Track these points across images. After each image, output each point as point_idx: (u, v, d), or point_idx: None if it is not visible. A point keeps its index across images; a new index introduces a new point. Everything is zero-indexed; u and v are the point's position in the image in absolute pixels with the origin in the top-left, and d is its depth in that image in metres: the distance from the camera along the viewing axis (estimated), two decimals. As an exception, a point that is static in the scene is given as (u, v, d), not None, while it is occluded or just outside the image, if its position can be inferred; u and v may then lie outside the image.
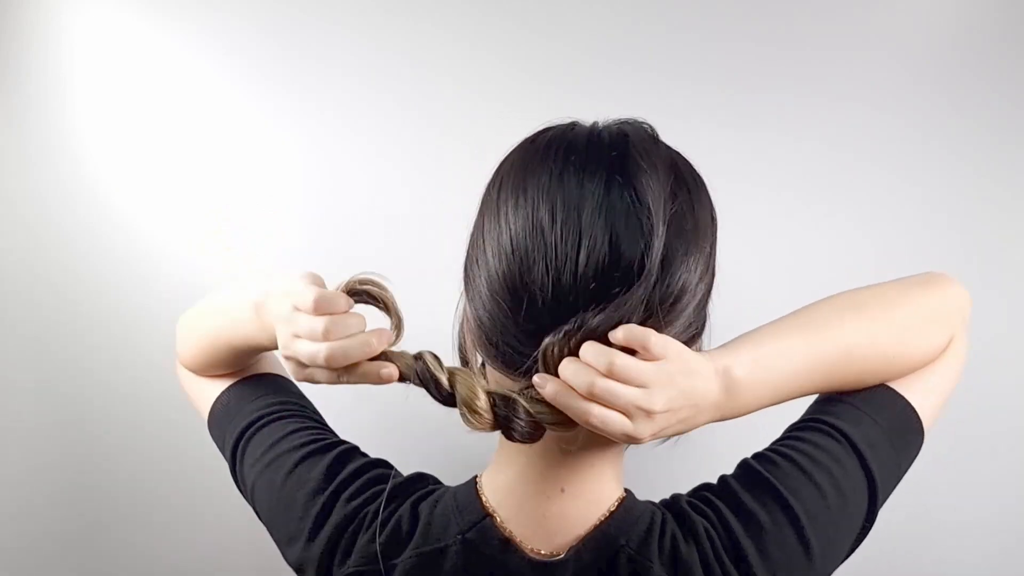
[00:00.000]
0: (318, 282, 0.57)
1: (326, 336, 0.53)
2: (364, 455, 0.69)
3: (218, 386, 0.77)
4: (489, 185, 0.60)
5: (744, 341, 0.59)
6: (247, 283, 0.68)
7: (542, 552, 0.60)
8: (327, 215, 1.21)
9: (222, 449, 0.75)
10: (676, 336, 0.55)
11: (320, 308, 0.53)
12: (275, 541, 0.68)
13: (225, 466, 0.74)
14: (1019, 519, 1.23)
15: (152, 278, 1.22)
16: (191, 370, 0.80)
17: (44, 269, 1.21)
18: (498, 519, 0.60)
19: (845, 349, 0.61)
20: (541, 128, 0.61)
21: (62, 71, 1.17)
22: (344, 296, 0.55)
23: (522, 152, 0.59)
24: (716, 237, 0.59)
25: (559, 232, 0.53)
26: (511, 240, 0.55)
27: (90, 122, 1.19)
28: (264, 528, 0.69)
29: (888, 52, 1.15)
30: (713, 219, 0.59)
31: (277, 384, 0.78)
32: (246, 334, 0.67)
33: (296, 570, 0.66)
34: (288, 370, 0.57)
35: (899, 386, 0.65)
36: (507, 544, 0.60)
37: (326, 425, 0.73)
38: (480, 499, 0.61)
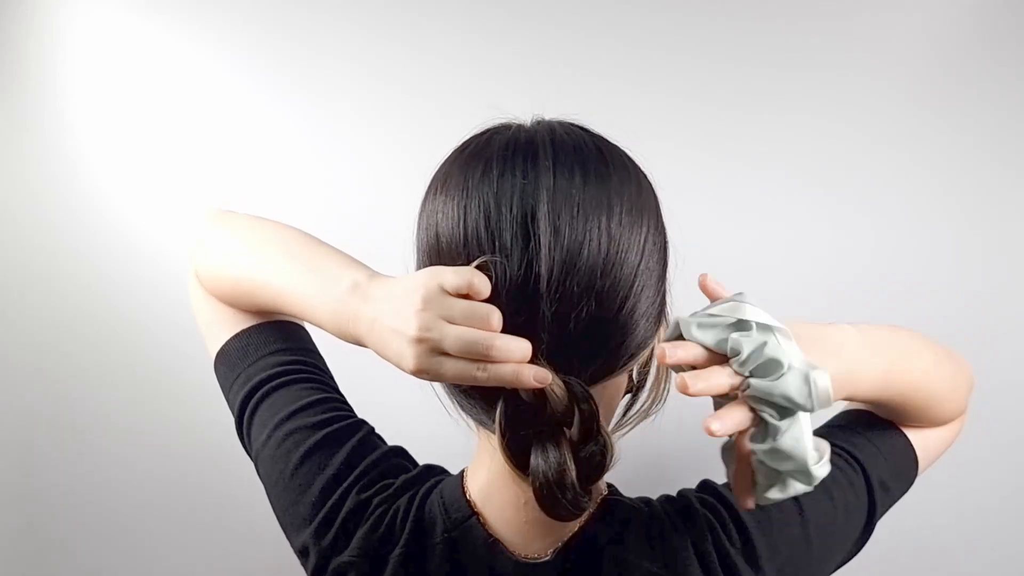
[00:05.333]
0: None
1: (490, 324, 0.50)
2: (382, 441, 0.68)
3: (237, 322, 0.72)
4: (426, 190, 0.61)
5: (857, 325, 0.60)
6: (327, 254, 0.64)
7: (528, 554, 0.59)
8: (326, 215, 1.21)
9: (227, 391, 0.71)
10: (637, 315, 0.56)
11: (483, 292, 0.51)
12: (279, 518, 0.66)
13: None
14: (1019, 521, 1.23)
15: (151, 278, 1.22)
16: (213, 295, 0.73)
17: (42, 269, 1.22)
18: (483, 519, 0.60)
19: (914, 383, 0.64)
20: (472, 134, 0.62)
21: (61, 71, 1.18)
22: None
23: (451, 158, 0.60)
24: (658, 214, 0.59)
25: (472, 230, 0.54)
26: (436, 237, 0.56)
27: (89, 123, 1.19)
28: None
29: (904, 35, 1.16)
30: (645, 195, 0.58)
31: (299, 337, 0.74)
32: (306, 306, 0.61)
33: (298, 553, 0.65)
34: (407, 357, 0.51)
35: (914, 438, 0.70)
36: (492, 545, 0.60)
37: (340, 393, 0.71)
38: (466, 497, 0.61)
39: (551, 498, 0.51)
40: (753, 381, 0.48)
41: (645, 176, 0.59)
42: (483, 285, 0.51)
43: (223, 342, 0.72)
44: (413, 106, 1.18)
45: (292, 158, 1.20)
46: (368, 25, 1.17)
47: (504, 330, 0.51)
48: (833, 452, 0.64)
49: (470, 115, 1.16)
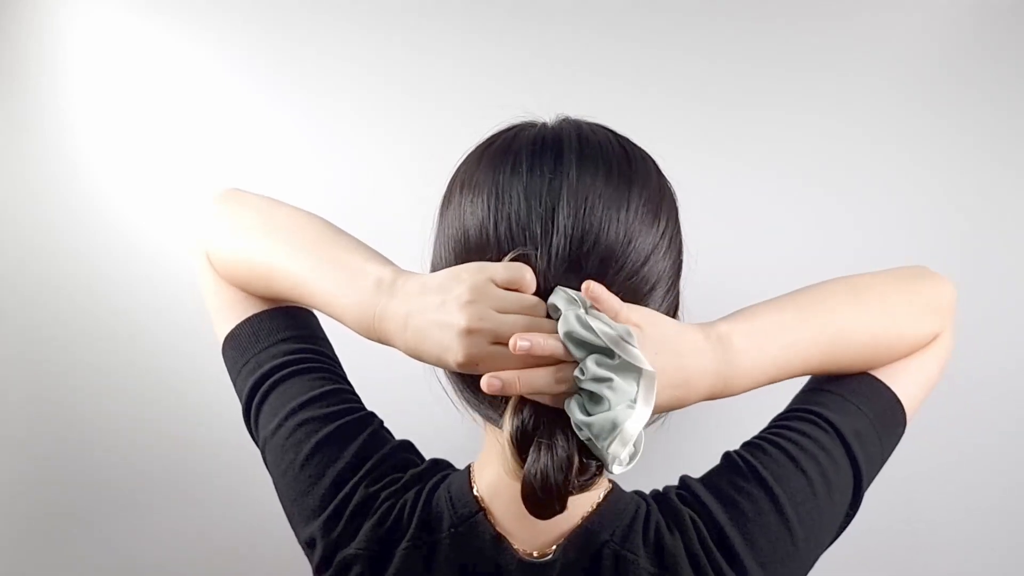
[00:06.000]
0: None
1: (540, 314, 0.51)
2: (391, 435, 0.68)
3: (247, 307, 0.71)
4: (448, 185, 0.61)
5: (742, 312, 0.61)
6: (348, 245, 0.63)
7: (531, 550, 0.60)
8: (326, 215, 1.20)
9: (235, 376, 0.71)
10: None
11: (532, 286, 0.52)
12: (286, 509, 0.66)
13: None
14: (1015, 519, 1.23)
15: (151, 278, 1.22)
16: (223, 275, 0.72)
17: (42, 269, 1.22)
18: (489, 514, 0.61)
19: (840, 330, 0.63)
20: (494, 132, 0.62)
21: (61, 71, 1.18)
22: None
23: (475, 156, 0.61)
24: (676, 217, 0.60)
25: (504, 226, 0.55)
26: (465, 232, 0.57)
27: (89, 123, 1.19)
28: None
29: (904, 35, 1.16)
30: (665, 197, 0.59)
31: (310, 325, 0.73)
32: (328, 301, 0.61)
33: (305, 544, 0.65)
34: (454, 349, 0.52)
35: (885, 377, 0.66)
36: (498, 540, 0.60)
37: (350, 383, 0.71)
38: (472, 491, 0.62)
39: (546, 497, 0.52)
40: (573, 403, 0.50)
41: (667, 180, 0.61)
42: (532, 279, 0.52)
43: (233, 326, 0.71)
44: (413, 106, 1.18)
45: (292, 158, 1.21)
46: (368, 25, 1.17)
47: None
48: (796, 418, 0.65)
49: (470, 115, 1.16)
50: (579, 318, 0.50)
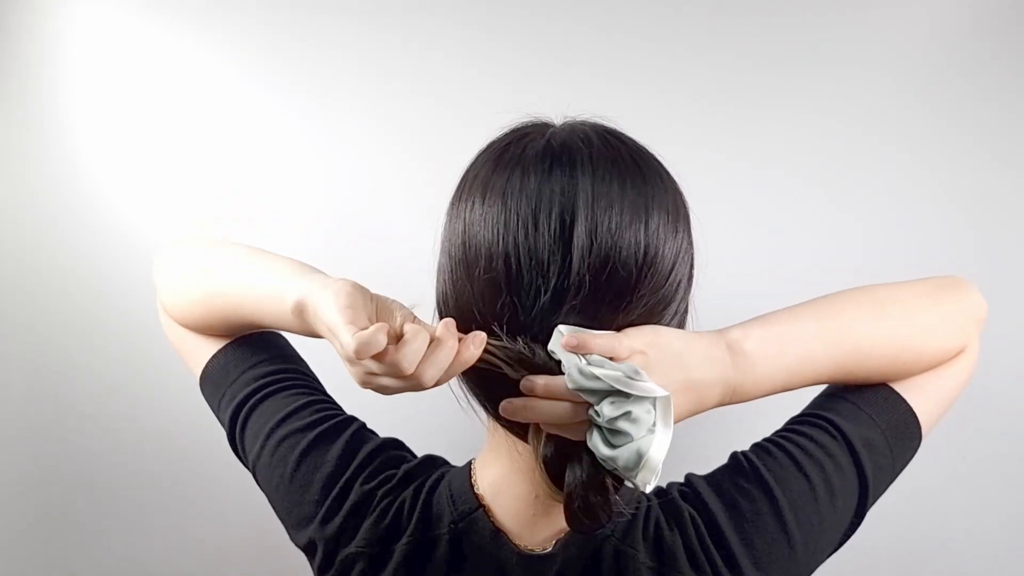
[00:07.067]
0: (354, 301, 0.51)
1: (404, 373, 0.48)
2: (374, 434, 0.69)
3: (212, 344, 0.73)
4: (457, 188, 0.60)
5: (758, 319, 0.60)
6: (275, 260, 0.65)
7: (530, 546, 0.60)
8: (326, 216, 1.21)
9: (216, 410, 0.73)
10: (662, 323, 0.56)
11: (365, 354, 0.47)
12: (283, 520, 0.67)
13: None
14: (1019, 521, 1.23)
15: (151, 278, 1.22)
16: (181, 324, 0.75)
17: (42, 268, 1.22)
18: (489, 511, 0.61)
19: (859, 341, 0.62)
20: (503, 133, 0.61)
21: (61, 71, 1.18)
22: (383, 331, 0.47)
23: (485, 160, 0.59)
24: (689, 226, 0.59)
25: (523, 234, 0.53)
26: (473, 246, 0.55)
27: (89, 123, 1.20)
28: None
29: (906, 35, 1.16)
30: (680, 208, 0.58)
31: (277, 345, 0.74)
32: (278, 321, 0.62)
33: (304, 549, 0.66)
34: (351, 375, 0.52)
35: (903, 388, 0.65)
36: (497, 536, 0.60)
37: (326, 393, 0.72)
38: (473, 488, 0.62)
39: (591, 516, 0.52)
40: (596, 438, 0.50)
41: (677, 185, 0.59)
42: (368, 350, 0.47)
43: (203, 365, 0.73)
44: (413, 106, 1.18)
45: (292, 158, 1.21)
46: (368, 25, 1.17)
47: (543, 338, 0.53)
48: (806, 422, 0.64)
49: (471, 115, 1.16)
50: (581, 371, 0.50)
